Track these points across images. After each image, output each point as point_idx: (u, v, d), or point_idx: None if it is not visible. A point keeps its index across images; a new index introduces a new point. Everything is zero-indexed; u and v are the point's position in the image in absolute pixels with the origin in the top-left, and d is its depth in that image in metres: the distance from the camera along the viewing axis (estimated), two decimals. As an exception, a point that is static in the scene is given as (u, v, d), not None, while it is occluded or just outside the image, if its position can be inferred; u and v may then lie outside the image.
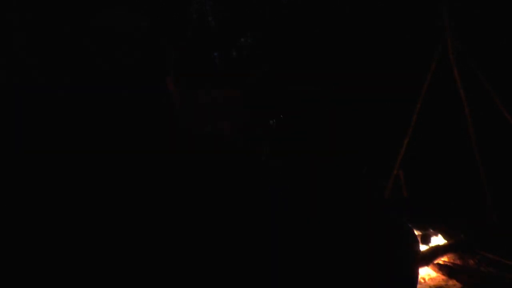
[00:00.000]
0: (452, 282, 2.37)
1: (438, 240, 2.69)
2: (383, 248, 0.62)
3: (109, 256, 0.57)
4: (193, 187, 0.62)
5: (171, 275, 0.57)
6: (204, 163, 0.65)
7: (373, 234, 0.63)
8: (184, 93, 0.72)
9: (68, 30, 0.65)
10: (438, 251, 2.57)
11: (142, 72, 0.66)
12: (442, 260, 2.55)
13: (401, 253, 0.63)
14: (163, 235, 0.59)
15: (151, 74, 0.67)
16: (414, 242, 0.66)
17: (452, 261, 2.55)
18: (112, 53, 0.64)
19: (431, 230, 2.76)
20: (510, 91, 2.86)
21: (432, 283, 2.40)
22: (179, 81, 0.71)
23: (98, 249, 0.57)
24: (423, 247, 2.64)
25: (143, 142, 0.65)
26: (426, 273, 2.48)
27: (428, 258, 2.52)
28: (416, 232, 2.73)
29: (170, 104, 0.69)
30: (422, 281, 2.43)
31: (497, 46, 3.18)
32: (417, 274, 0.65)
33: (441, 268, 2.47)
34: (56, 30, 0.65)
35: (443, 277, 2.43)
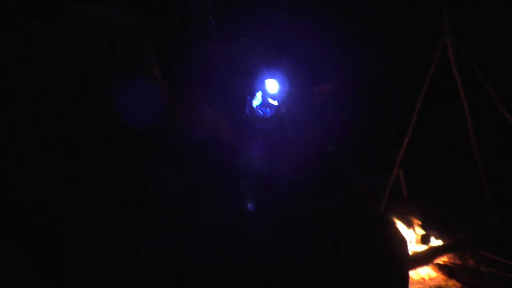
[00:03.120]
0: (452, 282, 2.38)
1: (438, 240, 2.70)
2: (371, 247, 0.63)
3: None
4: (193, 188, 0.62)
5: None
6: (202, 164, 0.65)
7: (362, 233, 0.64)
8: (183, 94, 0.72)
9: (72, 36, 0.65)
10: (438, 251, 2.58)
11: (141, 74, 0.66)
12: (442, 260, 2.55)
13: (390, 253, 0.64)
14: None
15: (151, 75, 0.68)
16: (402, 242, 0.66)
17: (452, 261, 2.55)
18: (112, 53, 0.65)
19: (431, 230, 2.76)
20: (510, 91, 2.86)
21: (432, 283, 2.40)
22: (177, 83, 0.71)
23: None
24: (423, 247, 2.64)
25: (143, 143, 0.65)
26: (426, 273, 2.48)
27: (428, 258, 2.53)
28: (417, 232, 2.73)
29: (169, 106, 0.69)
30: (422, 281, 2.43)
31: (497, 46, 3.18)
32: (407, 276, 0.66)
33: (441, 268, 2.47)
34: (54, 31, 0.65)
35: (443, 277, 2.43)
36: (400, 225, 2.76)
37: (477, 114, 2.88)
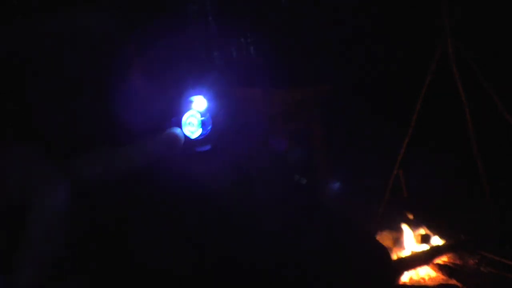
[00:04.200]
0: (452, 282, 2.38)
1: (438, 240, 2.70)
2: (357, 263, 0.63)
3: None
4: (192, 187, 0.63)
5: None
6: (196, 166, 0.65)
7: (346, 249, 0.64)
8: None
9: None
10: (438, 251, 2.58)
11: (141, 74, 0.67)
12: (442, 260, 2.55)
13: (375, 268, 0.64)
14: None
15: (151, 75, 0.68)
16: (386, 256, 0.66)
17: (452, 261, 2.55)
18: (111, 53, 0.65)
19: (432, 230, 2.76)
20: (510, 91, 2.86)
21: (432, 283, 2.40)
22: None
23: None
24: (423, 247, 2.65)
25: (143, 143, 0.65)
26: (426, 273, 2.48)
27: (428, 258, 2.53)
28: (417, 232, 2.73)
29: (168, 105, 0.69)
30: (422, 281, 2.43)
31: (497, 46, 3.18)
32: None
33: (441, 268, 2.47)
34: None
35: (443, 277, 2.43)
36: (400, 225, 2.77)
37: (477, 114, 2.88)
